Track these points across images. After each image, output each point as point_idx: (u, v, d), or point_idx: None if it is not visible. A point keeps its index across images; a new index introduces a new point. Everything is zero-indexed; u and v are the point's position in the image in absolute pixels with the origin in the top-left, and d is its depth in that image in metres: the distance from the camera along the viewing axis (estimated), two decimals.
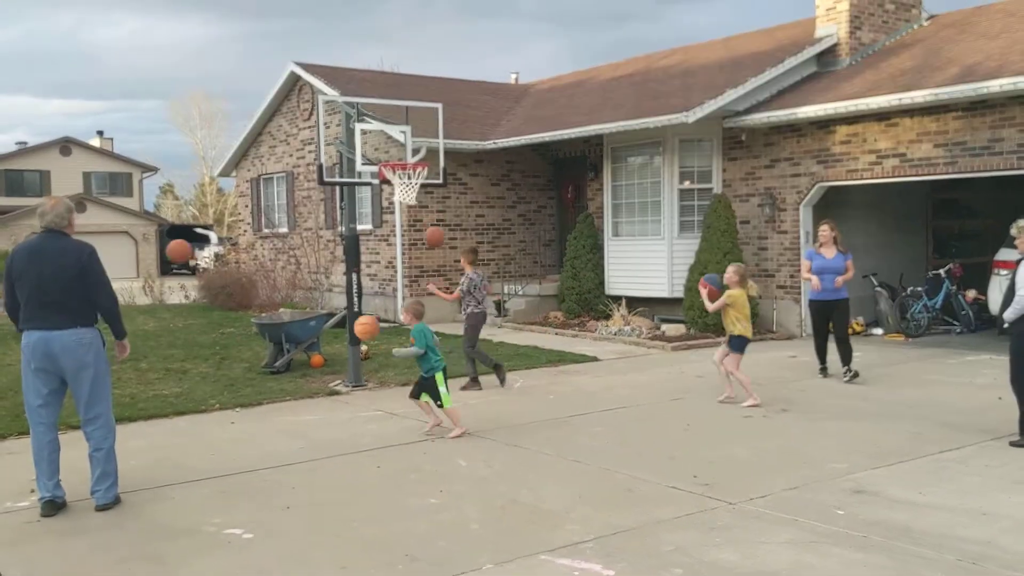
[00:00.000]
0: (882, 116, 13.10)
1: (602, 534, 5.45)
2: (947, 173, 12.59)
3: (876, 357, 12.32)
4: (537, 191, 19.36)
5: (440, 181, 11.38)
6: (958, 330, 14.81)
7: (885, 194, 15.13)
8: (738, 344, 9.43)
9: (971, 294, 14.89)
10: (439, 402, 8.22)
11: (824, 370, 10.87)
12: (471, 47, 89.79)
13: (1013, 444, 7.34)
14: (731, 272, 9.59)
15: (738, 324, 9.38)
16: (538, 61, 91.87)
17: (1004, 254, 13.00)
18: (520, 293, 17.55)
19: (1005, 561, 4.84)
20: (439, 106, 11.34)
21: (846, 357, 10.50)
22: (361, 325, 9.26)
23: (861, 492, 6.22)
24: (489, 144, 17.86)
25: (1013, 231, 7.68)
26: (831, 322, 10.70)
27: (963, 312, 14.87)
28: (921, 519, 5.61)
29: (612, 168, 16.66)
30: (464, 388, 10.37)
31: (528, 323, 16.70)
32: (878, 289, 14.92)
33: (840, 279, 10.48)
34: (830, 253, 10.60)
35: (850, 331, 14.49)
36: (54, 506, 6.11)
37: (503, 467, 7.14)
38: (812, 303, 10.84)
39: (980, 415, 8.46)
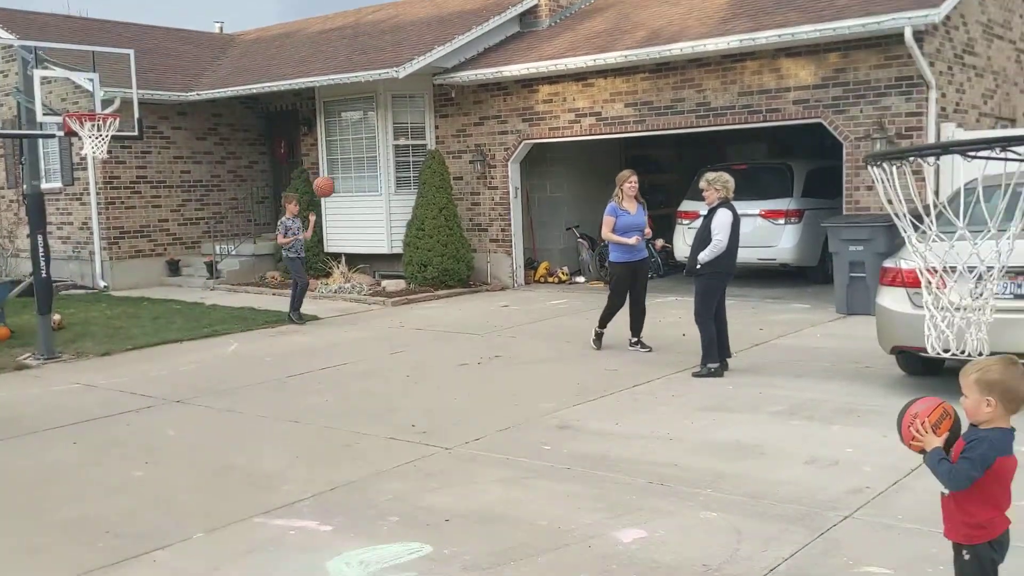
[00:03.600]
0: (580, 76, 13.88)
1: (320, 491, 5.43)
2: (637, 131, 13.64)
3: (580, 303, 13.17)
4: (248, 146, 18.56)
5: (136, 134, 10.59)
6: (650, 276, 16.16)
7: (585, 150, 16.11)
8: None
9: (659, 243, 16.29)
10: None
11: (600, 337, 9.54)
12: None
13: (695, 375, 8.16)
14: None
15: None
16: (241, 11, 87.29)
17: (687, 205, 14.34)
18: (233, 253, 16.84)
19: (687, 479, 5.41)
20: (131, 52, 10.50)
21: (639, 326, 9.43)
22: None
23: (566, 427, 6.67)
24: (193, 96, 16.83)
25: (702, 184, 8.41)
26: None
27: (652, 259, 16.26)
28: (617, 448, 6.12)
29: (326, 123, 16.33)
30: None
31: (243, 284, 16.07)
32: (580, 240, 15.93)
33: (637, 237, 9.27)
34: (634, 208, 9.38)
35: (556, 280, 15.57)
36: None
37: (216, 434, 6.88)
38: (619, 265, 9.42)
39: (668, 351, 9.30)
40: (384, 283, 15.04)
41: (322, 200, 16.38)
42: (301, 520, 4.98)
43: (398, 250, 15.36)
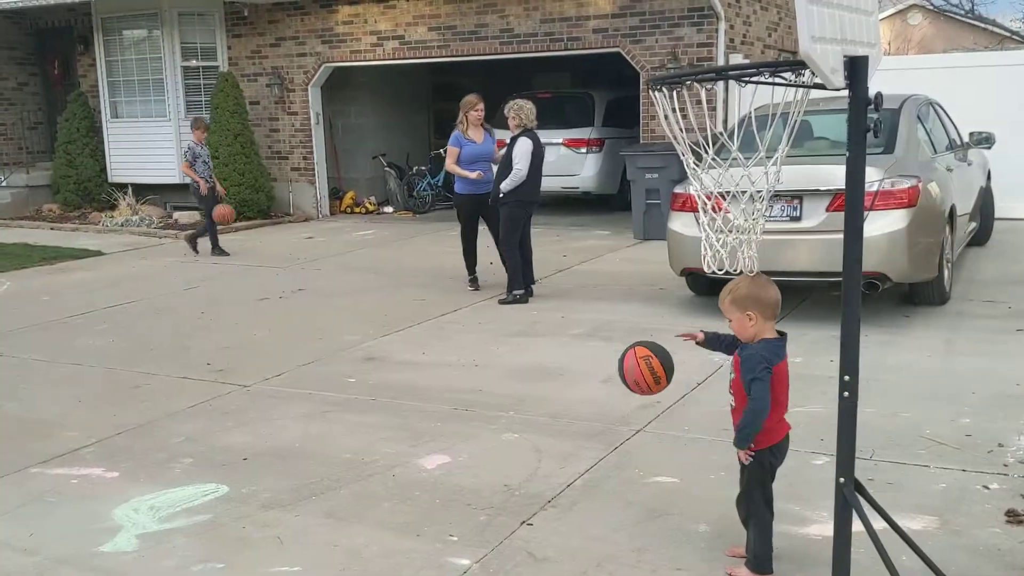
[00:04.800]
0: None
1: (105, 436, 5.09)
2: (441, 56, 13.44)
3: (388, 234, 13.01)
4: (15, 65, 16.81)
5: None
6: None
7: (390, 76, 15.73)
8: None
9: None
10: None
11: (475, 280, 8.88)
12: None
13: (501, 302, 8.25)
14: None
15: None
16: None
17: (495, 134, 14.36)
18: (3, 184, 15.37)
19: (491, 403, 5.48)
20: None
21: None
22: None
23: (371, 359, 6.58)
24: None
25: (506, 111, 8.38)
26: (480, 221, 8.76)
27: None
28: (423, 377, 6.11)
29: (105, 41, 15.04)
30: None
31: (17, 218, 14.80)
32: (387, 169, 15.66)
33: (480, 172, 8.54)
34: (480, 136, 8.66)
35: (363, 210, 15.27)
36: None
37: None
38: (462, 196, 8.74)
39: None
40: (176, 215, 14.24)
41: (104, 125, 15.23)
42: (85, 467, 4.66)
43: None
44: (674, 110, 2.94)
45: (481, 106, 8.65)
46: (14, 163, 16.15)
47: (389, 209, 15.48)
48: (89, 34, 15.38)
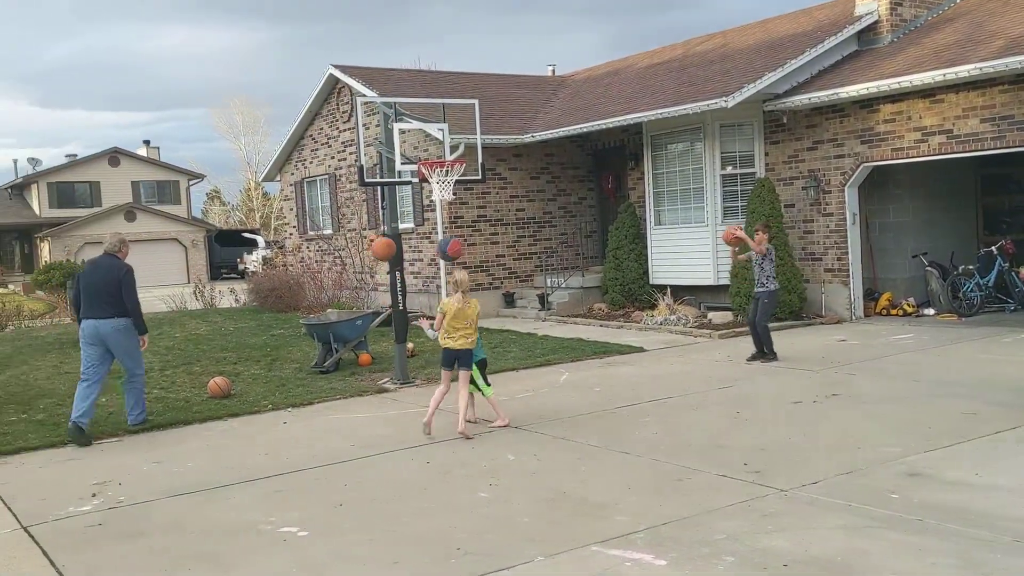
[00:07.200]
0: (926, 93, 12.84)
1: (652, 524, 5.44)
2: (995, 148, 12.31)
3: (928, 338, 12.10)
4: (577, 183, 19.31)
5: (479, 177, 11.45)
6: (1012, 307, 14.47)
7: (932, 172, 14.83)
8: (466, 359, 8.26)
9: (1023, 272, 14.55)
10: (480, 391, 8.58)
11: None
12: (506, 42, 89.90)
13: None
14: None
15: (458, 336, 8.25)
16: (574, 53, 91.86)
17: None
18: (563, 286, 17.54)
19: None
20: (475, 102, 11.39)
21: None
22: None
23: (915, 475, 6.13)
24: (527, 138, 17.86)
25: None
26: None
27: (1017, 289, 14.53)
28: (977, 501, 5.52)
29: (652, 156, 16.57)
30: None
31: (572, 315, 16.68)
32: (928, 269, 14.65)
33: None
34: None
35: (900, 312, 14.42)
36: (77, 429, 8.39)
37: (551, 460, 7.16)
38: None
39: None
40: (710, 315, 14.85)
41: (647, 232, 16.61)
42: (636, 552, 5.02)
43: (724, 281, 15.12)
44: None
45: None
46: (572, 267, 18.42)
47: (930, 311, 14.40)
48: (639, 151, 17.09)
